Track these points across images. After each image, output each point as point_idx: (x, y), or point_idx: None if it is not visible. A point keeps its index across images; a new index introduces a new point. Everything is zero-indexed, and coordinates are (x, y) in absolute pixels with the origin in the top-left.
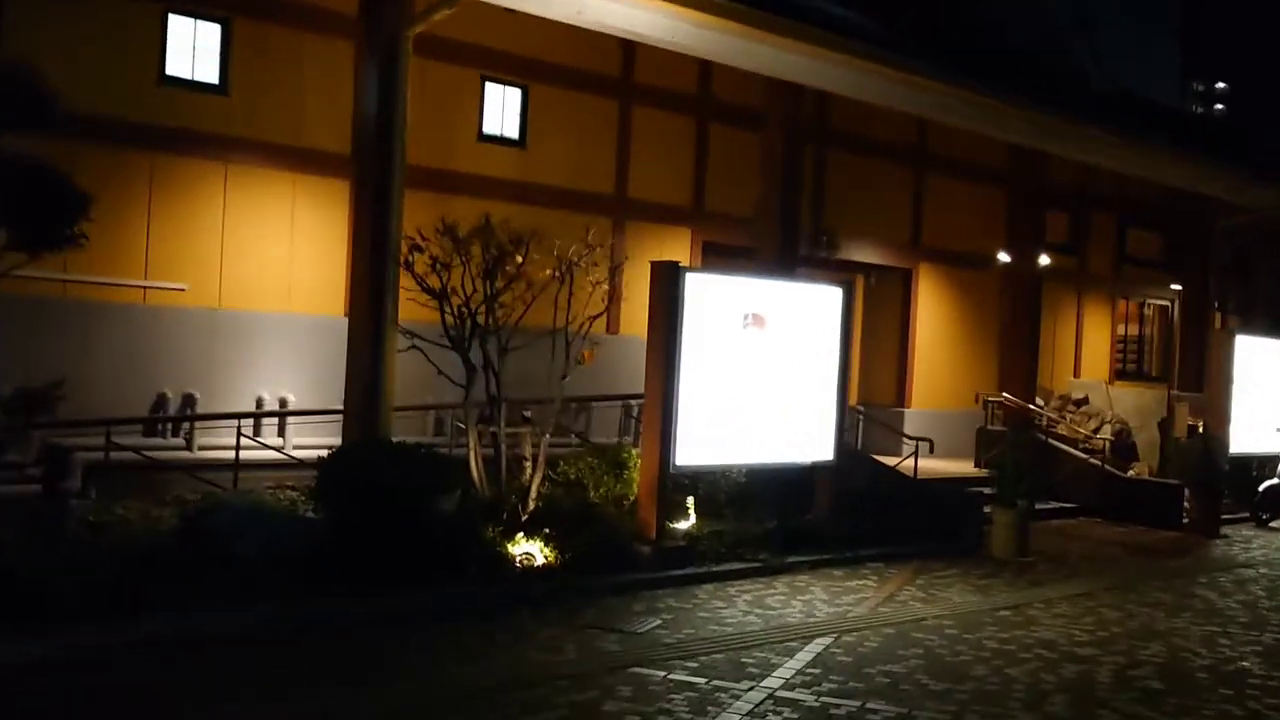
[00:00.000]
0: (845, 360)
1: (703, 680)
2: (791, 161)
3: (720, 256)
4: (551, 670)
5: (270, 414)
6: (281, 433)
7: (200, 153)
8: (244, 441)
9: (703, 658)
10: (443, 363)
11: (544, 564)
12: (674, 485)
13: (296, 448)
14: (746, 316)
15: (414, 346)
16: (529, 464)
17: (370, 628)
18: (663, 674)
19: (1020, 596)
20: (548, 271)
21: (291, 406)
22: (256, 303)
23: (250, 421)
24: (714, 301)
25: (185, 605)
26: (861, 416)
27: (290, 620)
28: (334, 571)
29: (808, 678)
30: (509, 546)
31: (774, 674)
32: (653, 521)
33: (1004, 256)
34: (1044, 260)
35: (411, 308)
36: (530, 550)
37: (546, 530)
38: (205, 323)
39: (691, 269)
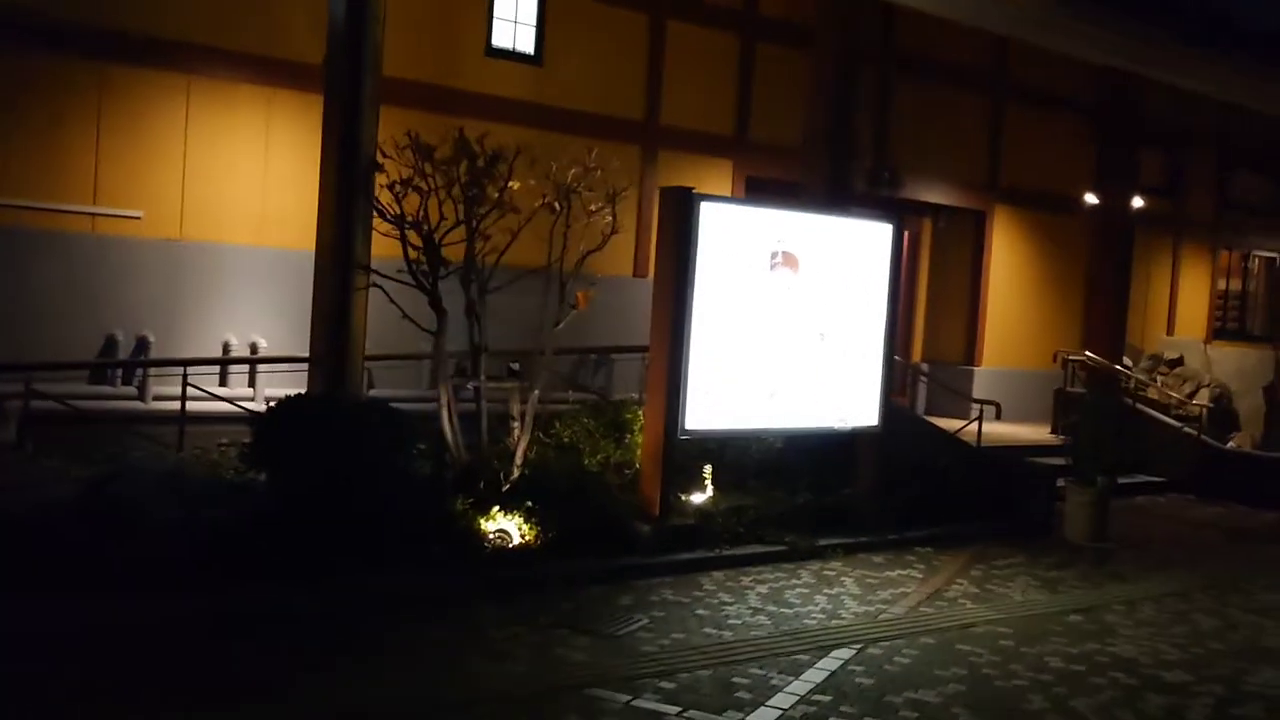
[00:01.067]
0: (894, 310)
1: (672, 711)
2: (844, 84)
3: (766, 193)
4: (487, 688)
5: (231, 361)
6: (252, 382)
7: (158, 63)
8: (203, 392)
9: (684, 675)
10: (420, 305)
11: (521, 543)
12: (688, 452)
13: (269, 400)
14: (775, 255)
15: (375, 285)
16: (516, 425)
17: (282, 625)
18: (625, 699)
19: (1096, 596)
20: (540, 200)
21: (264, 352)
22: (224, 234)
23: (216, 370)
24: (736, 237)
25: (49, 592)
26: (925, 376)
27: (179, 614)
28: (269, 551)
29: (809, 711)
30: (482, 522)
31: (768, 702)
32: (656, 495)
33: (1091, 198)
34: (1137, 203)
35: (391, 242)
36: (506, 528)
37: (529, 504)
38: (163, 256)
39: (707, 196)
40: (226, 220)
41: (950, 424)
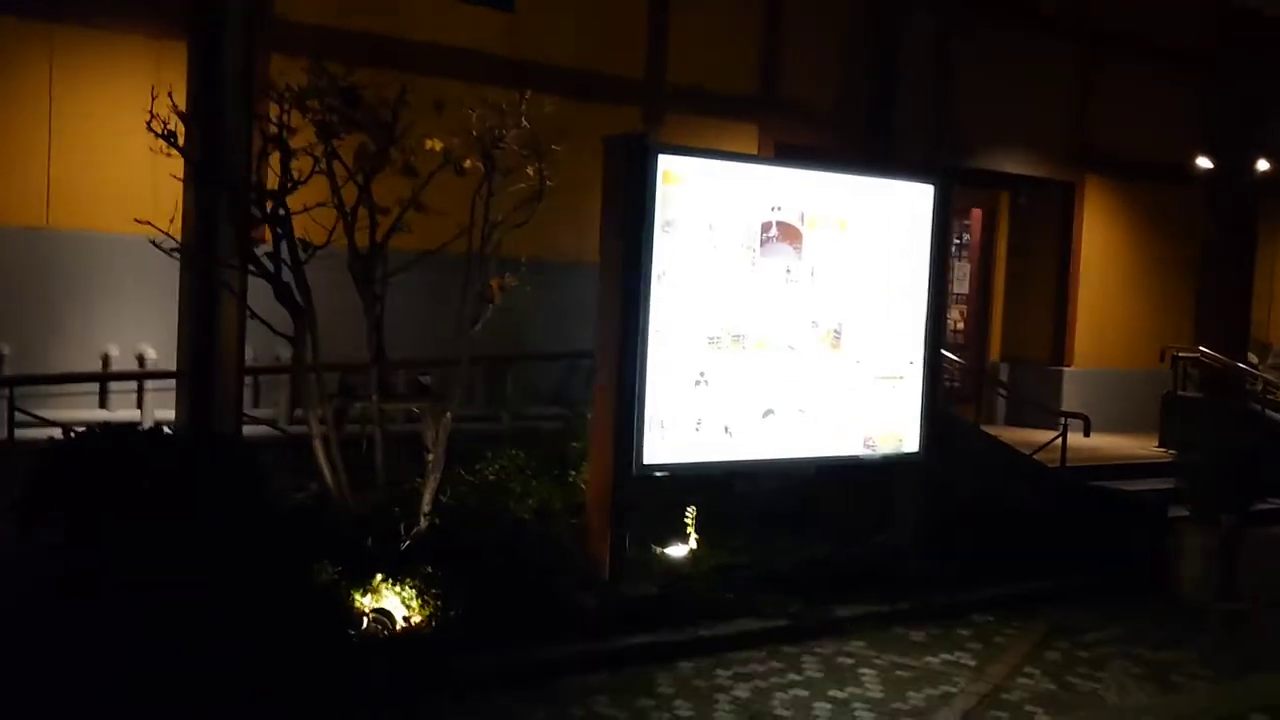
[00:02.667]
0: (939, 300)
1: None
2: (884, 28)
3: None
4: None
5: (96, 377)
6: (140, 402)
7: (12, 6)
8: (69, 413)
9: None
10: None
11: (408, 628)
12: (665, 490)
13: (160, 423)
14: (769, 228)
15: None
16: (430, 457)
17: None
18: None
19: (1231, 694)
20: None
21: (154, 365)
22: (104, 221)
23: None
24: (712, 203)
25: None
26: (1004, 380)
27: None
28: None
29: None
30: (357, 598)
31: None
32: (605, 553)
33: (1204, 164)
34: (1261, 166)
35: (301, 222)
36: (389, 606)
37: (429, 569)
38: (23, 248)
39: (667, 147)
40: (105, 204)
41: (1033, 438)
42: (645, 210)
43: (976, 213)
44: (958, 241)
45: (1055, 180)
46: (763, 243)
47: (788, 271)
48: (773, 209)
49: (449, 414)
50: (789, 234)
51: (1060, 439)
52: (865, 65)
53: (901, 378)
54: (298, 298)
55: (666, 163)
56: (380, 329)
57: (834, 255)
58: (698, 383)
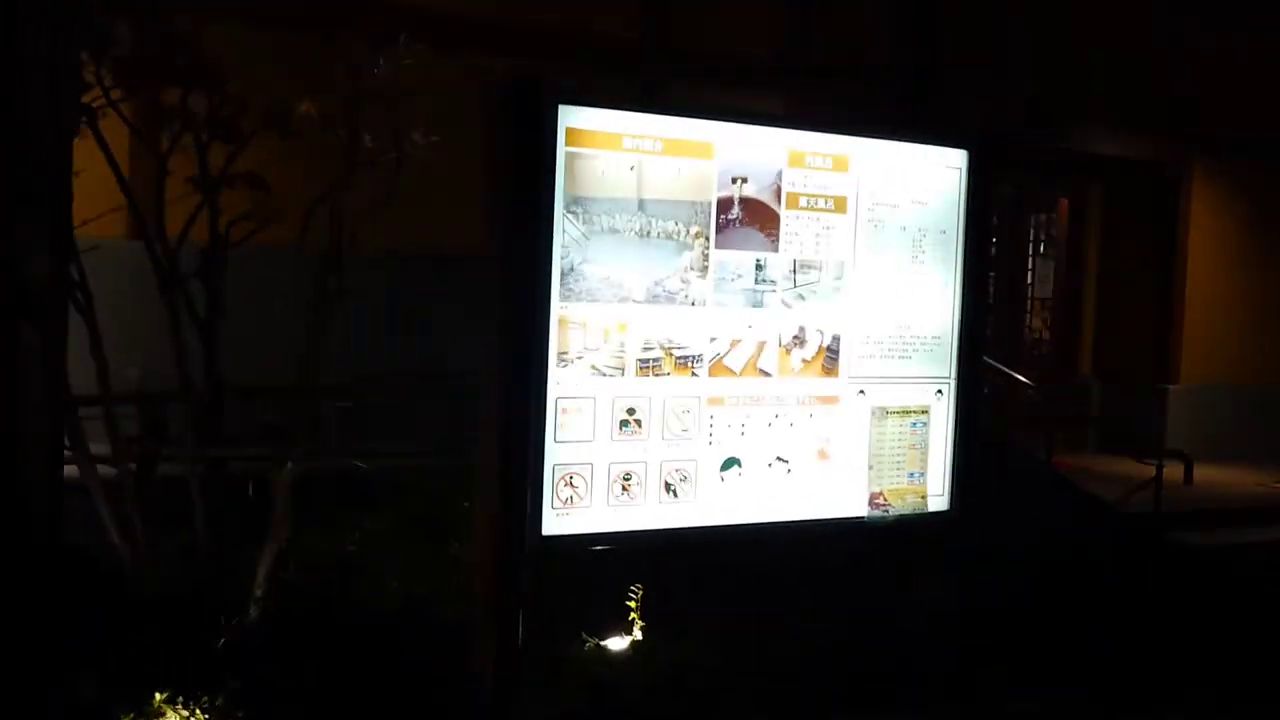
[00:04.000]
0: (976, 306)
1: None
2: None
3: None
4: None
5: None
6: None
7: None
8: None
9: None
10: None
11: None
12: (604, 564)
13: None
14: (729, 208)
15: None
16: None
17: None
18: None
19: None
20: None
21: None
22: None
23: None
24: (643, 174)
25: None
26: (1092, 399)
27: None
28: None
29: None
30: None
31: None
32: (490, 661)
33: None
34: None
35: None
36: None
37: (239, 684)
38: None
39: (571, 94)
40: None
41: (1128, 471)
42: (541, 183)
43: (1063, 203)
44: (1042, 238)
45: (1155, 162)
46: (720, 227)
47: (758, 267)
48: (735, 181)
49: (289, 466)
50: (759, 215)
51: (1155, 480)
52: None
53: (924, 411)
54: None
55: (572, 117)
56: (213, 346)
57: (826, 245)
58: (625, 423)
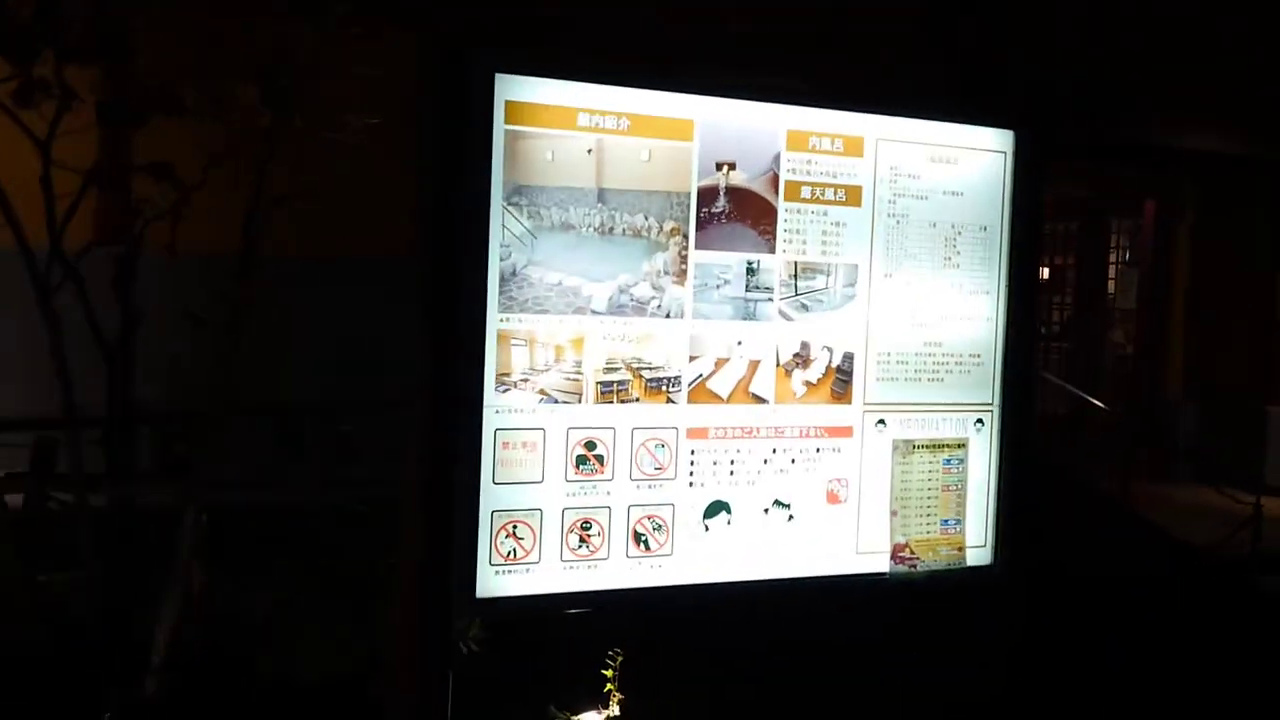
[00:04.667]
0: (1023, 313)
1: None
2: None
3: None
4: None
5: None
6: None
7: None
8: None
9: None
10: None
11: None
12: (570, 623)
13: None
14: (712, 199)
15: None
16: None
17: None
18: None
19: None
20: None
21: None
22: None
23: None
24: (603, 158)
25: None
26: (1179, 423)
27: None
28: None
29: None
30: None
31: None
32: None
33: None
34: None
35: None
36: None
37: None
38: None
39: (511, 63)
40: None
41: (1226, 507)
42: (475, 168)
43: (1149, 206)
44: (1125, 244)
45: (1260, 159)
46: (702, 223)
47: (749, 272)
48: (720, 168)
49: (193, 518)
50: (750, 209)
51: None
52: None
53: (961, 445)
54: None
55: (513, 88)
56: (123, 365)
57: (835, 245)
58: (583, 460)
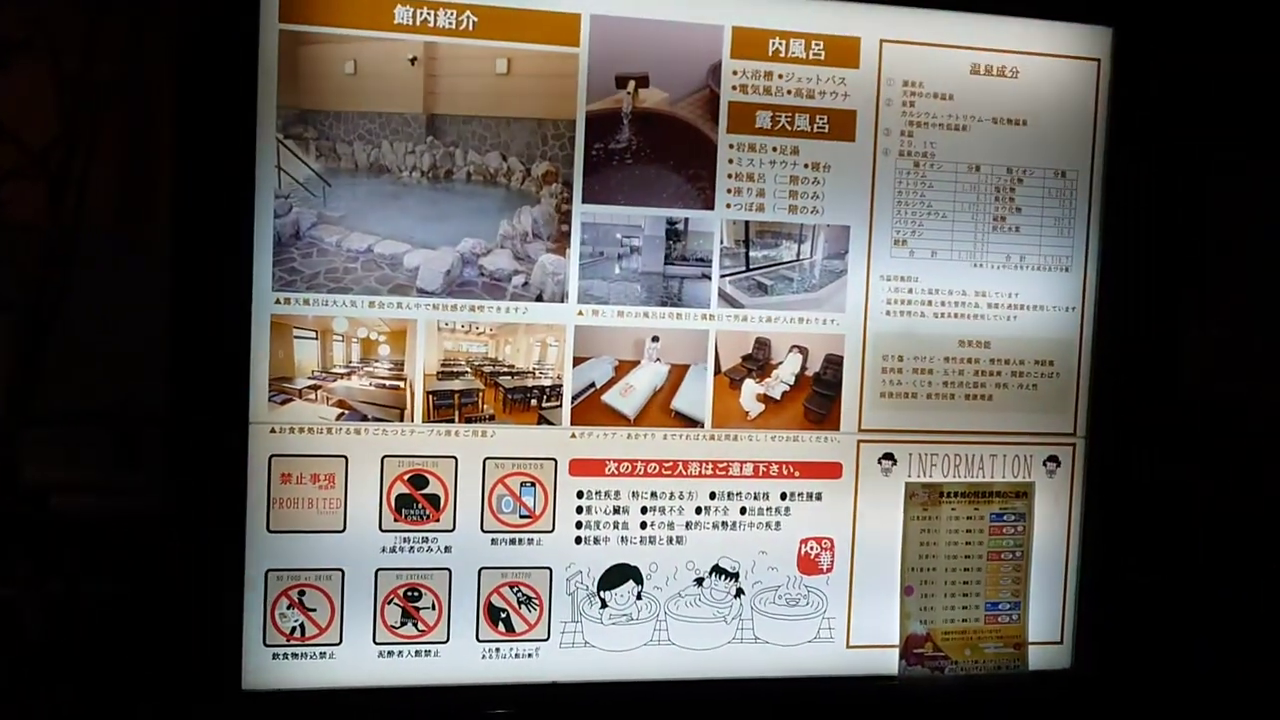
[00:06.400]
0: (1128, 300)
1: None
2: None
3: None
4: None
5: None
6: None
7: None
8: None
9: None
10: None
11: None
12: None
13: None
14: (620, 129)
15: None
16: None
17: None
18: None
19: None
20: None
21: None
22: None
23: None
24: (427, 68)
25: None
26: None
27: None
28: None
29: None
30: None
31: None
32: None
33: None
34: None
35: None
36: None
37: None
38: None
39: None
40: None
41: None
42: (231, 88)
43: None
44: None
45: None
46: (595, 164)
47: (672, 235)
48: (626, 84)
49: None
50: (674, 143)
51: None
52: None
53: (1022, 494)
54: None
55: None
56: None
57: (812, 197)
58: (409, 502)
